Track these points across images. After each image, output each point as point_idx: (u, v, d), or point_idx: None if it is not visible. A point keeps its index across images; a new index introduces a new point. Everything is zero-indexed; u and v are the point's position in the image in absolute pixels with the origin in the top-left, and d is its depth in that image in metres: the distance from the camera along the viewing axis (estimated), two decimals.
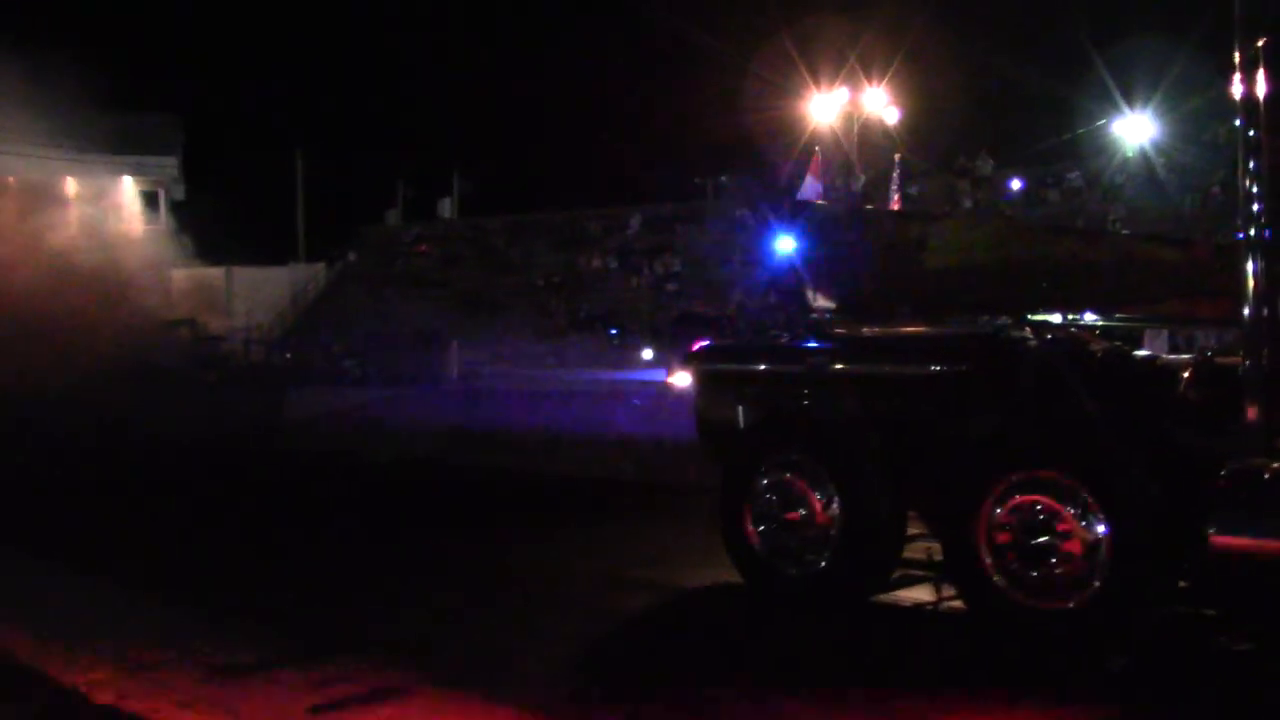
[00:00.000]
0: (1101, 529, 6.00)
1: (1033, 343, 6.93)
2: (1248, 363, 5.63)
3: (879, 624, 6.93)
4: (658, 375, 28.81)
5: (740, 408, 7.84)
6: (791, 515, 7.16)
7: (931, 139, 36.37)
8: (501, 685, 5.89)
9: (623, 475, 14.19)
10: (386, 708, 5.55)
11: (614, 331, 35.38)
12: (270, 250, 45.32)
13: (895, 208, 24.36)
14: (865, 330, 7.76)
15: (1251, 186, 5.63)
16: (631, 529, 10.51)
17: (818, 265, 8.13)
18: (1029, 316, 7.15)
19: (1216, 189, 37.44)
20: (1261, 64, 5.50)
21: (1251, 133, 5.61)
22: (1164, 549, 5.92)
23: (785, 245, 8.12)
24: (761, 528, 7.30)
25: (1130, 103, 40.43)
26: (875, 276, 7.89)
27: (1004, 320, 7.24)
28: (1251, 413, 5.60)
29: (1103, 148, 41.17)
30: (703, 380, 8.18)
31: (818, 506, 7.06)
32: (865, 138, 33.44)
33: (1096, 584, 6.00)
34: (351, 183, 48.86)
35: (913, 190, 38.97)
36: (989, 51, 37.97)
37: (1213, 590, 5.97)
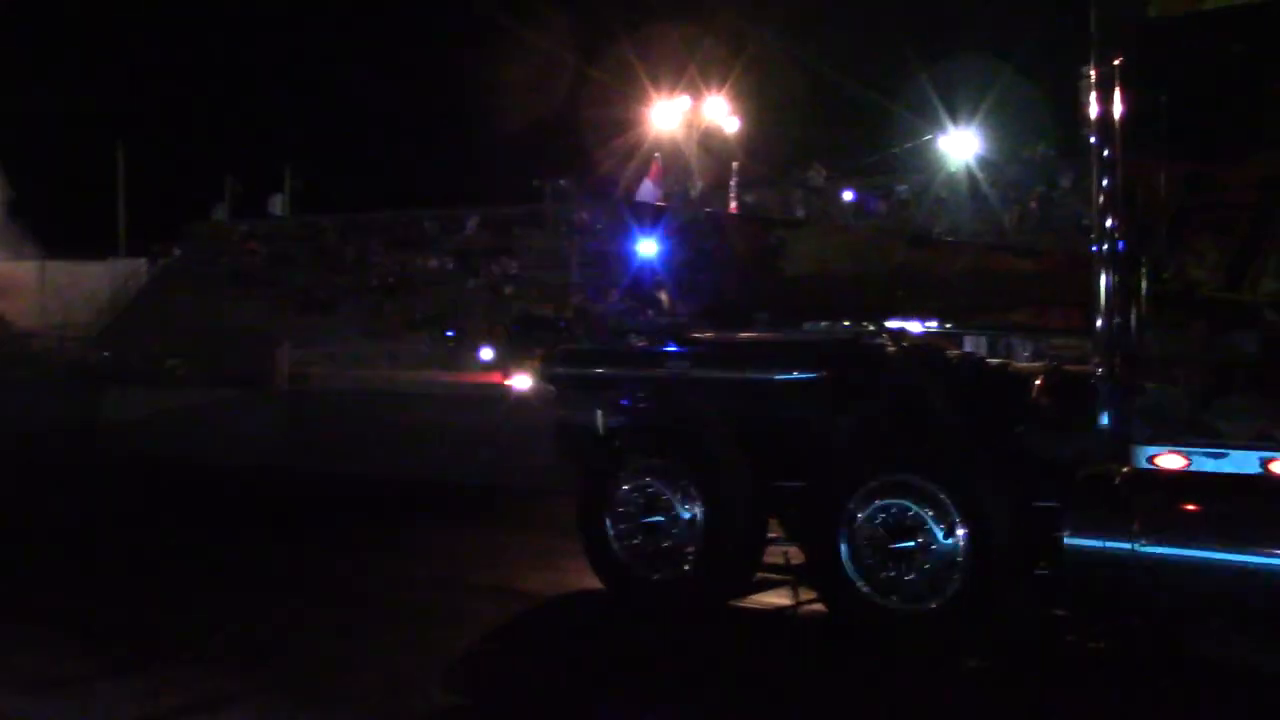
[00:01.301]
0: (960, 532, 6.11)
1: (890, 349, 7.04)
2: (1100, 371, 5.80)
3: (741, 628, 6.91)
4: (495, 377, 28.61)
5: (599, 412, 7.74)
6: (653, 520, 7.09)
7: (769, 149, 37.04)
8: (338, 693, 5.72)
9: (461, 479, 13.91)
10: (218, 717, 5.35)
11: (450, 333, 34.90)
12: (89, 245, 43.20)
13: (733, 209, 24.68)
14: (725, 336, 7.75)
15: (1104, 202, 5.81)
16: (472, 533, 10.33)
17: (677, 270, 8.10)
18: (885, 324, 7.26)
19: (1034, 204, 39.20)
20: (1117, 83, 5.67)
21: (1106, 151, 5.79)
22: (1019, 552, 6.07)
23: (645, 249, 8.06)
24: (622, 533, 7.21)
25: (955, 119, 42.01)
26: (735, 282, 7.90)
27: (862, 327, 7.34)
28: (1103, 419, 5.78)
29: (929, 162, 42.62)
30: (561, 384, 8.05)
31: (679, 511, 7.01)
32: (705, 145, 33.83)
33: (954, 586, 6.12)
34: (177, 177, 47.04)
35: (749, 199, 39.68)
36: (824, 66, 38.90)
37: (1066, 591, 6.13)
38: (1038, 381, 6.58)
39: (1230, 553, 5.42)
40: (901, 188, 42.55)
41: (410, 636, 6.80)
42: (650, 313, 8.31)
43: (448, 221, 42.13)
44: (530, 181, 46.40)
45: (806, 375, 6.93)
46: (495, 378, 28.65)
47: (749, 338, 7.69)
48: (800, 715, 5.42)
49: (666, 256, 8.12)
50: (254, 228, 44.94)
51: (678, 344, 7.71)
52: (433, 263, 40.46)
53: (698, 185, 35.77)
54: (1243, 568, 5.40)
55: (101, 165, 46.92)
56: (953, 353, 7.08)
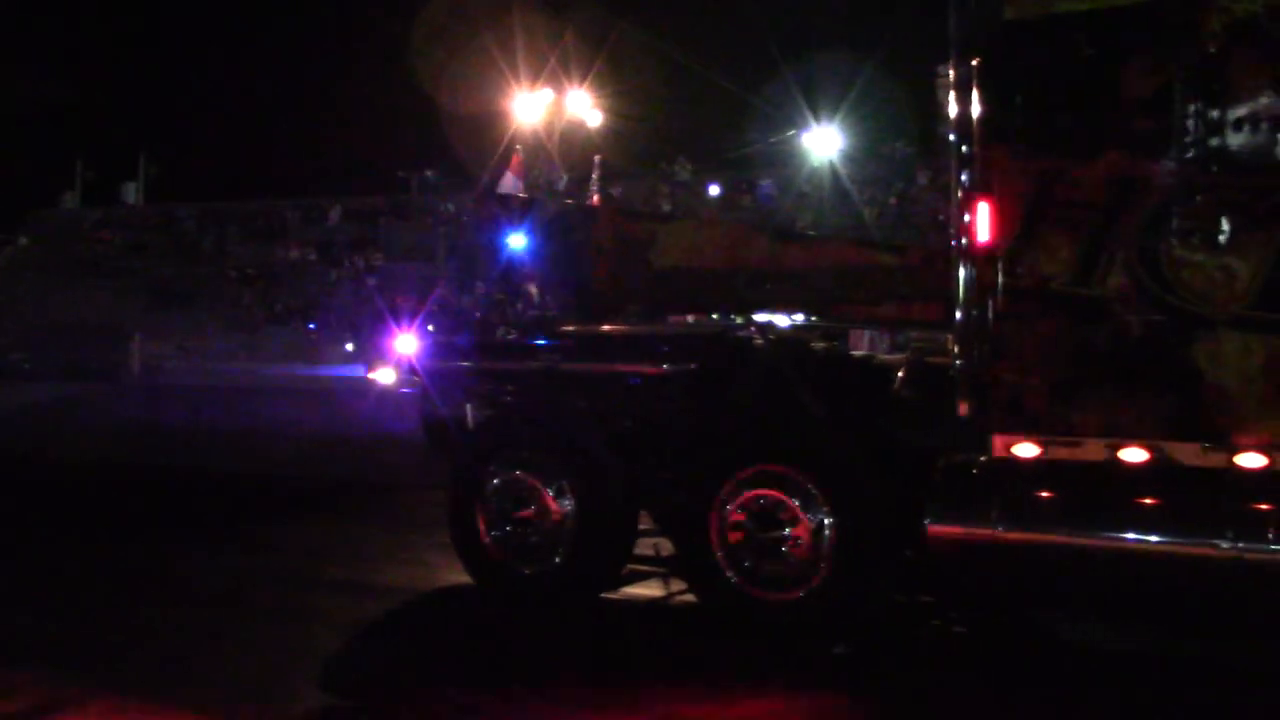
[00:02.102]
0: (827, 521, 6.23)
1: (758, 341, 7.14)
2: (960, 362, 5.97)
3: (615, 621, 6.93)
4: (358, 370, 28.17)
5: (468, 405, 7.69)
6: (524, 514, 7.07)
7: (633, 143, 37.16)
8: (185, 693, 5.60)
9: (318, 473, 13.68)
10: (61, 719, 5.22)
11: (313, 326, 34.25)
12: None
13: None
14: (594, 328, 7.76)
15: (962, 198, 5.97)
16: (330, 528, 10.18)
17: (546, 263, 8.08)
18: (752, 317, 7.36)
19: (894, 200, 40.20)
20: (975, 83, 5.84)
21: (964, 147, 5.95)
22: (884, 539, 6.21)
23: (514, 241, 8.02)
24: (493, 526, 7.17)
25: (818, 116, 42.80)
26: (604, 275, 7.91)
27: (730, 320, 7.42)
28: (963, 409, 5.95)
29: (792, 157, 43.32)
30: (430, 377, 7.95)
31: (551, 504, 7.00)
32: (568, 139, 33.79)
33: (823, 575, 6.24)
34: (23, 162, 44.96)
35: (615, 192, 39.77)
36: (690, 60, 39.19)
37: (929, 577, 6.30)
38: (900, 373, 6.74)
39: (1083, 536, 5.65)
40: (765, 183, 43.18)
41: (266, 634, 6.71)
42: (519, 306, 8.27)
43: (310, 211, 41.31)
44: (396, 172, 45.81)
45: (675, 367, 6.97)
46: (361, 369, 28.25)
47: (618, 331, 7.71)
48: (670, 703, 5.46)
49: (535, 249, 8.09)
50: (107, 215, 43.34)
51: (547, 337, 7.71)
52: (294, 253, 39.61)
53: (562, 178, 35.70)
54: (1095, 550, 5.63)
55: None
56: (818, 345, 7.20)
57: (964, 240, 5.93)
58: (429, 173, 46.48)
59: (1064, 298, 5.63)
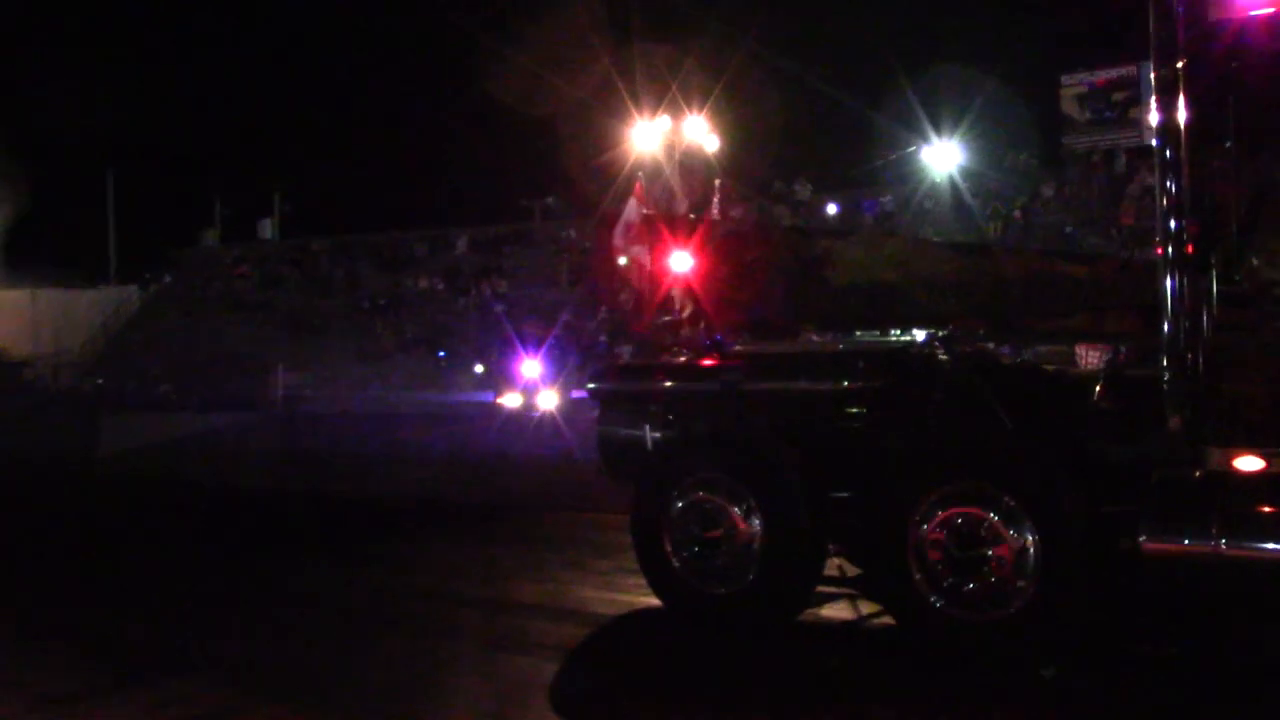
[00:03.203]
0: (1030, 538, 6.09)
1: (943, 357, 7.04)
2: (1169, 374, 5.80)
3: (818, 643, 6.87)
4: (486, 396, 28.57)
5: (648, 428, 7.69)
6: (712, 534, 7.04)
7: (749, 166, 37.13)
8: (344, 706, 5.85)
9: (462, 497, 13.92)
10: None
11: (442, 354, 34.82)
12: (79, 272, 42.95)
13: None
14: (771, 347, 7.73)
15: (1168, 205, 5.81)
16: (465, 547, 10.37)
17: (717, 283, 8.06)
18: (938, 332, 7.26)
19: (1018, 213, 39.41)
20: (1181, 87, 5.69)
21: (1169, 153, 5.80)
22: (1090, 556, 6.04)
23: (680, 263, 8.02)
24: (680, 548, 7.16)
25: (938, 130, 42.27)
26: (781, 293, 7.88)
27: (914, 335, 7.32)
28: (1175, 422, 5.78)
29: (912, 174, 42.82)
30: (607, 401, 8.00)
31: (739, 524, 6.96)
32: (686, 165, 33.90)
33: (1025, 594, 6.09)
34: (166, 202, 46.75)
35: (734, 214, 39.73)
36: (804, 79, 39.02)
37: (1141, 597, 6.11)
38: (1099, 386, 6.58)
39: None
40: (886, 199, 42.73)
41: (404, 647, 7.00)
42: (689, 328, 8.24)
43: (436, 242, 42.07)
44: (519, 200, 46.44)
45: (863, 385, 6.90)
46: (489, 396, 28.65)
47: (800, 349, 7.66)
48: None
49: (705, 270, 8.07)
50: (244, 251, 44.75)
51: (723, 357, 7.68)
52: (422, 283, 40.34)
53: (682, 204, 35.73)
54: None
55: (91, 192, 46.68)
56: (1007, 359, 7.07)
57: (1172, 248, 5.78)
58: (550, 200, 47.03)
59: None
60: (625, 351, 34.28)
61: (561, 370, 27.97)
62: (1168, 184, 5.82)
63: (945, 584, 6.29)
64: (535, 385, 25.78)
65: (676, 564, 7.17)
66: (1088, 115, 40.46)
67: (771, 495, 6.92)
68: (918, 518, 6.40)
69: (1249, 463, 5.55)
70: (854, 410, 6.93)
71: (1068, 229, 36.10)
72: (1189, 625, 6.47)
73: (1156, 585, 5.86)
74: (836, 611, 7.33)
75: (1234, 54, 5.60)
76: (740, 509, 6.99)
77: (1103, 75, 39.68)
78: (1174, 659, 6.33)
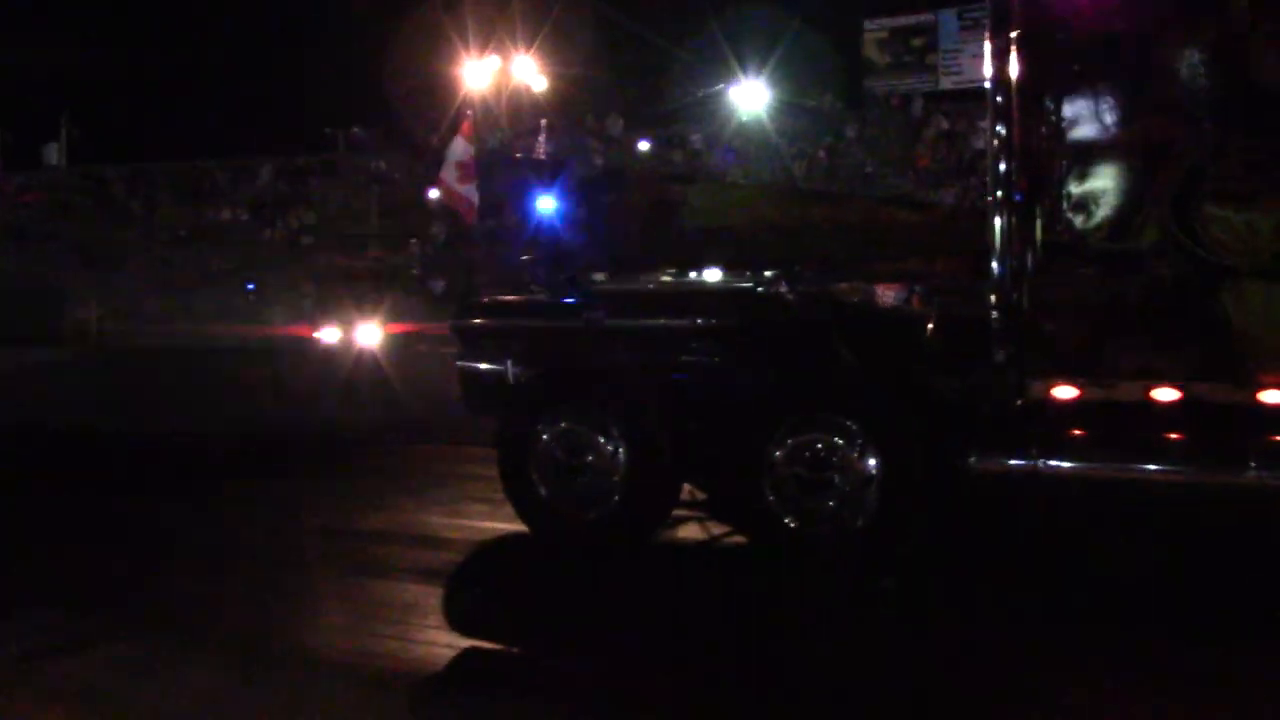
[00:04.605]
0: (872, 461, 6.72)
1: (792, 296, 7.58)
2: (996, 313, 6.48)
3: (684, 564, 7.40)
4: (303, 330, 28.12)
5: (509, 363, 7.99)
6: (578, 462, 7.44)
7: (573, 105, 37.31)
8: (212, 636, 6.03)
9: (290, 432, 13.86)
10: (93, 654, 5.69)
11: (251, 286, 33.97)
12: None
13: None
14: (631, 286, 8.13)
15: (998, 148, 6.44)
16: (311, 482, 10.40)
17: (577, 224, 8.40)
18: (783, 273, 7.80)
19: (822, 153, 40.84)
20: (1015, 51, 6.30)
21: (999, 106, 6.40)
22: (928, 478, 6.72)
23: (544, 204, 8.33)
24: (547, 476, 7.53)
25: (745, 70, 43.20)
26: (637, 234, 8.27)
27: (766, 275, 7.84)
28: (1000, 356, 6.47)
29: (721, 112, 43.68)
30: (469, 337, 8.26)
31: (604, 452, 7.38)
32: (515, 102, 33.94)
33: (871, 511, 6.74)
34: None
35: (550, 148, 39.87)
36: (620, 19, 39.18)
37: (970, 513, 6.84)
38: (930, 324, 7.24)
39: (1118, 468, 6.23)
40: (695, 137, 43.54)
41: (267, 579, 7.14)
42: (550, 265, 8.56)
43: (239, 172, 40.77)
44: (323, 130, 45.32)
45: (719, 322, 7.38)
46: (303, 330, 28.20)
47: (658, 288, 8.09)
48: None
49: (566, 211, 8.40)
50: (30, 179, 42.33)
51: (586, 295, 8.05)
52: (225, 214, 39.15)
53: (505, 134, 35.70)
54: (1128, 481, 6.22)
55: None
56: (850, 298, 7.67)
57: (1000, 193, 6.42)
58: (356, 130, 46.09)
59: (1101, 251, 6.16)
60: (438, 285, 34.21)
61: (378, 303, 27.76)
62: (998, 129, 6.44)
63: (797, 505, 6.88)
64: (354, 319, 25.54)
65: (543, 492, 7.55)
66: (888, 60, 42.12)
67: (634, 425, 7.36)
68: (770, 445, 6.96)
69: (1065, 391, 6.29)
70: (710, 346, 7.40)
71: (868, 169, 37.70)
72: (1016, 539, 7.26)
73: (984, 502, 6.59)
74: (690, 533, 7.87)
75: (1061, 25, 6.24)
76: (604, 438, 7.41)
77: (903, 21, 41.30)
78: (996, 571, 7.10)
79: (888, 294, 7.92)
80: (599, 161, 40.32)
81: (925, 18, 40.77)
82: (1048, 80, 6.25)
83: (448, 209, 33.50)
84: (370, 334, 24.29)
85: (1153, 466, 6.18)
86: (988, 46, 6.51)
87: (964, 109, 36.45)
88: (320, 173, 41.40)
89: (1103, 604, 6.12)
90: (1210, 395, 6.00)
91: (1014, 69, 6.32)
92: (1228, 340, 5.91)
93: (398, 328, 25.31)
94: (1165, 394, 6.08)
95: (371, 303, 27.80)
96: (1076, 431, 6.34)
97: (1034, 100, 6.29)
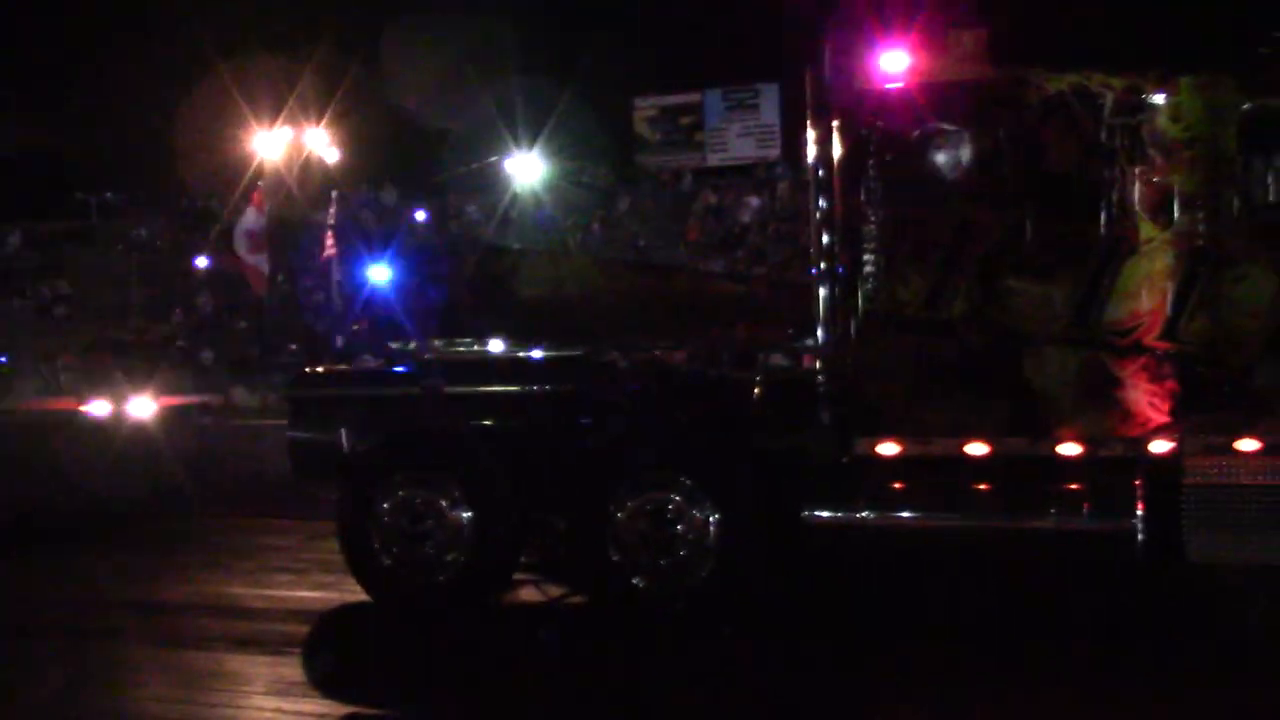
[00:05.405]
0: (711, 515, 7.12)
1: (623, 364, 7.96)
2: (823, 376, 7.03)
3: (527, 624, 7.58)
4: (68, 404, 26.71)
5: (345, 432, 8.02)
6: (420, 529, 7.54)
7: (356, 175, 36.95)
8: None
9: (67, 506, 13.27)
10: None
11: (4, 359, 31.99)
12: None
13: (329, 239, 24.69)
14: (468, 354, 8.32)
15: (820, 223, 7.01)
16: (104, 556, 10.07)
17: (409, 292, 8.56)
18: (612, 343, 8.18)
19: (596, 225, 41.77)
20: (836, 137, 6.90)
21: (822, 177, 6.97)
22: (763, 529, 7.15)
23: (377, 274, 8.46)
24: (389, 543, 7.59)
25: (519, 143, 43.83)
26: (469, 303, 8.49)
27: (596, 345, 8.19)
28: (826, 415, 7.01)
29: (496, 183, 44.06)
30: (299, 407, 8.25)
31: (447, 516, 7.52)
32: (303, 173, 33.43)
33: (710, 565, 7.12)
34: None
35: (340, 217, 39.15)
36: (396, 93, 39.17)
37: (804, 560, 7.30)
38: (756, 389, 7.73)
39: (937, 517, 6.84)
40: (470, 208, 43.74)
41: (80, 651, 7.04)
42: (380, 334, 8.66)
43: None
44: (74, 195, 43.31)
45: (554, 388, 7.68)
46: (69, 404, 26.75)
47: (494, 355, 8.30)
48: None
49: (399, 280, 8.55)
50: None
51: (418, 364, 8.19)
52: None
53: (298, 203, 34.84)
54: (947, 529, 6.84)
55: None
56: (676, 366, 8.11)
57: (824, 265, 6.99)
58: (109, 195, 44.22)
59: (916, 320, 6.79)
60: (207, 356, 33.09)
61: (149, 376, 26.71)
62: (820, 203, 7.01)
63: (642, 562, 7.19)
64: (124, 391, 24.48)
65: (387, 560, 7.61)
66: (658, 136, 43.60)
67: (477, 491, 7.54)
68: (612, 504, 7.27)
69: (888, 448, 6.87)
70: (549, 410, 7.67)
71: (640, 242, 38.76)
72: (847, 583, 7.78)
73: (816, 549, 7.08)
74: (529, 595, 8.06)
75: (874, 114, 6.89)
76: (446, 502, 7.55)
77: (671, 100, 42.88)
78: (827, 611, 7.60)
79: (716, 359, 8.40)
80: (371, 229, 39.99)
81: (692, 97, 42.31)
82: (864, 165, 6.86)
83: (220, 278, 32.67)
84: (143, 406, 23.38)
85: (966, 515, 6.82)
86: (810, 131, 7.10)
87: (730, 184, 38.10)
88: (75, 239, 39.46)
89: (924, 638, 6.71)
90: (1015, 449, 6.68)
91: (836, 151, 6.92)
92: (1030, 399, 6.60)
93: (170, 400, 24.45)
94: (976, 448, 6.73)
95: (143, 374, 26.75)
96: (897, 484, 6.92)
97: (853, 182, 6.90)
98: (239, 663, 6.77)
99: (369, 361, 8.44)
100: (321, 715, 5.96)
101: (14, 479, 15.80)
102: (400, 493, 7.61)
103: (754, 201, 36.45)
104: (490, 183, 43.97)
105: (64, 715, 5.86)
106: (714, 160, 42.61)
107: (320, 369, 8.64)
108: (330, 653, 7.20)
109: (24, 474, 16.39)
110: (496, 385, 7.84)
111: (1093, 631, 6.71)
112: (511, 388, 7.76)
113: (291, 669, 6.71)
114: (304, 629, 7.53)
